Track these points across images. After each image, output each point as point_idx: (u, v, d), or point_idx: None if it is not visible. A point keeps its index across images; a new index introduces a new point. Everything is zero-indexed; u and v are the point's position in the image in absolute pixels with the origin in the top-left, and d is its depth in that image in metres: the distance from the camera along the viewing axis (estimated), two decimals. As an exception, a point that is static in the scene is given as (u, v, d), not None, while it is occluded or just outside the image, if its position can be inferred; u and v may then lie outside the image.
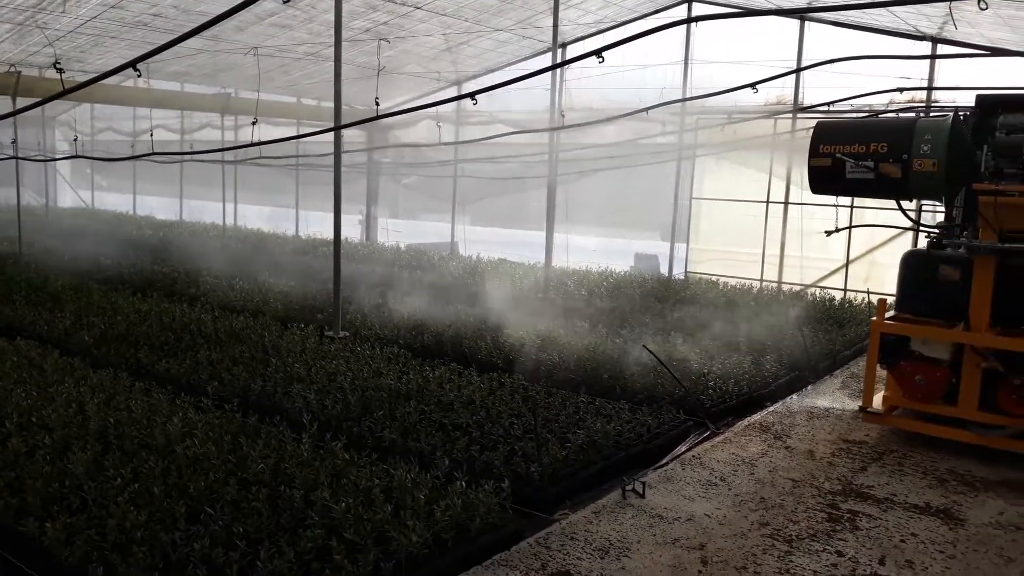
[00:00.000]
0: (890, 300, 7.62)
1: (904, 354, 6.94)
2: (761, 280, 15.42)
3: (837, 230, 7.40)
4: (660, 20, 14.37)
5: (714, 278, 15.21)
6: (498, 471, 5.85)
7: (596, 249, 17.93)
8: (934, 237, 6.85)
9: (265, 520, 4.83)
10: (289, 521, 4.86)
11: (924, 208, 7.73)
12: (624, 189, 17.95)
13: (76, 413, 6.61)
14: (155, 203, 28.23)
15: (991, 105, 6.55)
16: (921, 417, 6.96)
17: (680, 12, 15.13)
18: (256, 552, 4.43)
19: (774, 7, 13.33)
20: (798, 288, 14.34)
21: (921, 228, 7.15)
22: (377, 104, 8.46)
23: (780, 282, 15.23)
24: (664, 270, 16.58)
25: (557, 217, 16.50)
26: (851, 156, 6.45)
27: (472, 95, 6.72)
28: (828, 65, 11.46)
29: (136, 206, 28.48)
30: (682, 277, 16.04)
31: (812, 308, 12.38)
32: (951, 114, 6.63)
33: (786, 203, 14.79)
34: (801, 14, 13.89)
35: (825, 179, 6.73)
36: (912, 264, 7.17)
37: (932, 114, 10.51)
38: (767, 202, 15.09)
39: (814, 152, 6.67)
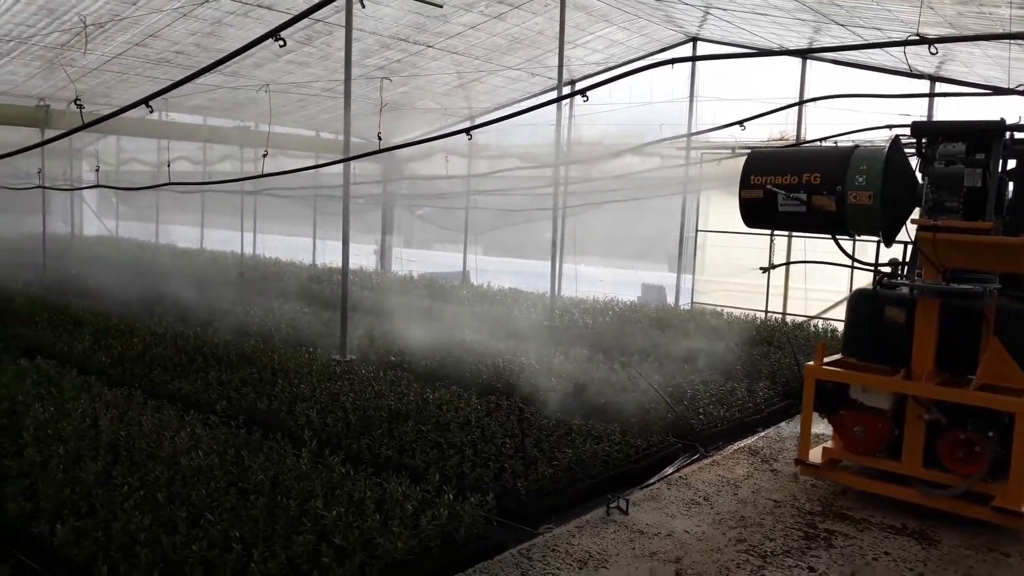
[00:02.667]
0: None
1: (843, 403, 6.36)
2: (766, 311, 15.61)
3: (773, 267, 7.02)
4: (667, 57, 14.78)
5: (719, 309, 15.43)
6: (486, 486, 6.10)
7: (604, 279, 18.24)
8: (881, 275, 6.32)
9: (261, 526, 5.11)
10: (283, 528, 5.13)
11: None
12: (632, 221, 18.29)
13: (90, 427, 6.95)
14: (177, 232, 28.94)
15: (927, 133, 6.00)
16: (865, 472, 6.39)
17: (686, 51, 15.57)
18: (251, 555, 4.69)
19: (775, 47, 13.71)
20: (801, 319, 14.53)
21: (860, 265, 6.46)
22: (380, 139, 8.84)
23: (784, 313, 15.42)
24: (671, 301, 16.83)
25: (566, 248, 16.84)
26: (783, 188, 5.98)
27: (468, 131, 7.08)
28: (830, 101, 11.81)
29: (159, 235, 29.17)
30: (688, 307, 16.27)
31: (813, 338, 12.55)
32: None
33: (790, 236, 15.02)
34: (803, 54, 14.26)
35: (757, 212, 6.26)
36: (858, 304, 6.56)
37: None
38: (771, 235, 15.32)
39: (744, 183, 6.22)
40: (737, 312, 15.08)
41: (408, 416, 7.74)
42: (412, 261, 22.68)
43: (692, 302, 16.65)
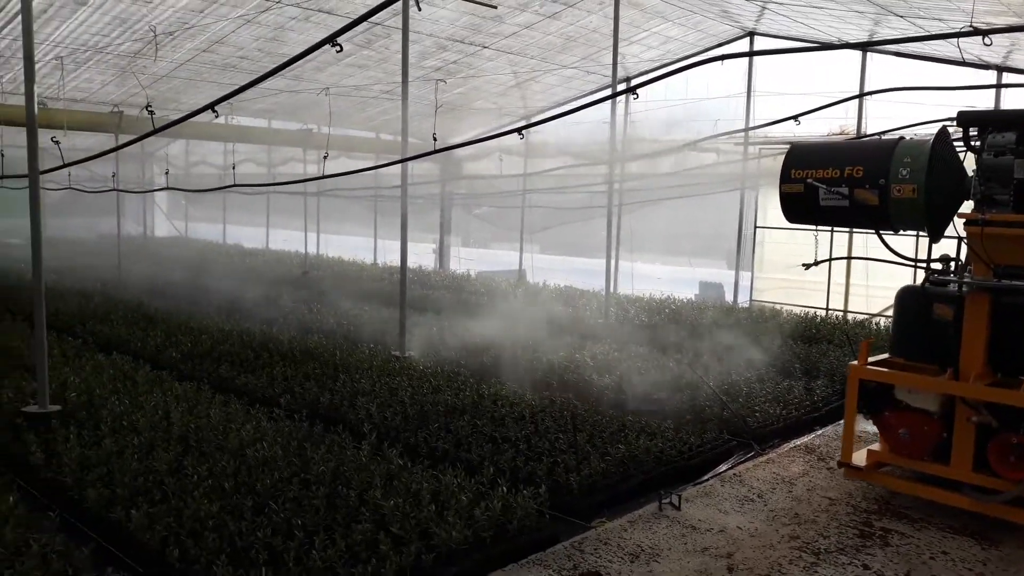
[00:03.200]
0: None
1: (888, 403, 6.14)
2: (827, 309, 15.36)
3: (816, 263, 6.76)
4: (723, 52, 14.66)
5: (778, 306, 15.24)
6: (539, 480, 6.22)
7: (661, 277, 18.16)
8: (930, 272, 6.04)
9: (322, 515, 5.32)
10: (343, 516, 5.33)
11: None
12: (690, 218, 18.18)
13: (162, 419, 7.30)
14: (243, 233, 29.80)
15: (975, 122, 5.75)
16: (912, 476, 6.14)
17: (742, 46, 15.42)
18: (312, 542, 4.90)
19: (834, 40, 13.48)
20: (863, 317, 14.26)
21: (902, 261, 6.16)
22: (435, 139, 9.01)
23: (846, 311, 15.15)
24: (729, 298, 16.68)
25: (623, 245, 16.85)
26: (824, 182, 5.78)
27: (519, 130, 7.20)
28: (892, 94, 11.58)
29: (225, 235, 30.07)
30: (747, 305, 16.11)
31: (874, 335, 12.33)
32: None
33: (850, 232, 14.75)
34: (863, 47, 13.99)
35: (798, 207, 6.07)
36: (905, 302, 6.36)
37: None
38: (831, 230, 15.08)
39: (785, 177, 6.03)
40: (797, 309, 14.89)
41: (464, 411, 7.90)
42: (470, 260, 22.94)
43: (751, 300, 16.48)
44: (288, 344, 10.80)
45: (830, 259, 6.53)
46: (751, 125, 14.71)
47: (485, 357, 10.51)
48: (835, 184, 5.72)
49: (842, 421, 8.50)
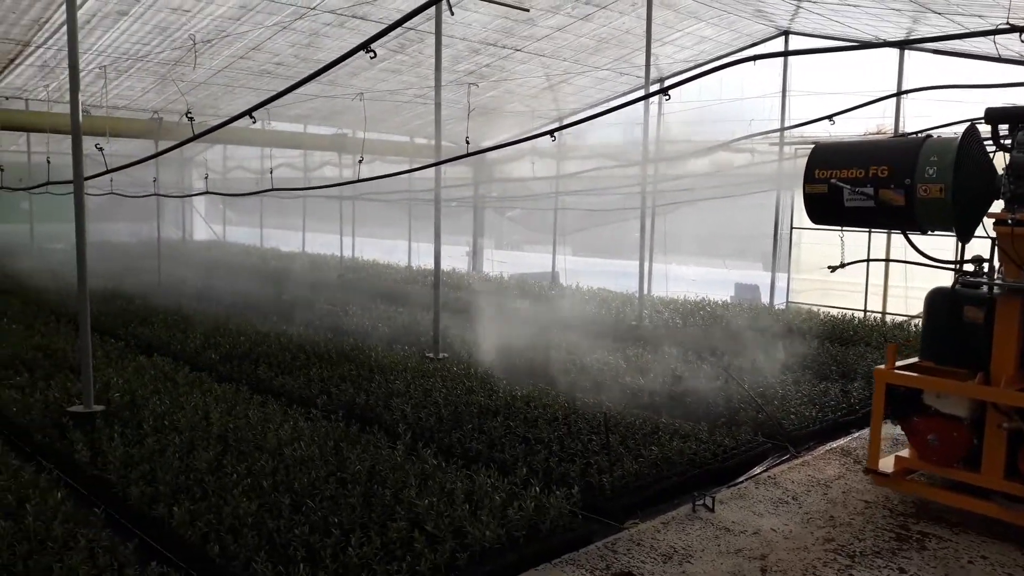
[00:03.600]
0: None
1: (917, 409, 5.96)
2: (865, 311, 15.17)
3: (843, 265, 6.58)
4: (757, 52, 14.57)
5: (815, 308, 15.09)
6: (572, 481, 6.24)
7: (696, 279, 18.06)
8: (961, 273, 5.88)
9: (358, 513, 5.41)
10: (379, 515, 5.41)
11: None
12: (725, 219, 18.05)
13: (202, 419, 7.46)
14: (280, 236, 30.22)
15: (1004, 119, 5.53)
16: (942, 483, 5.98)
17: (777, 45, 15.30)
18: (348, 539, 4.99)
19: (870, 39, 13.32)
20: (901, 319, 14.06)
21: (928, 262, 5.97)
22: (467, 142, 9.10)
23: (884, 312, 14.95)
24: (765, 300, 16.55)
25: (656, 247, 16.79)
26: (848, 182, 5.61)
27: (552, 132, 7.23)
28: (931, 92, 11.41)
29: (263, 239, 30.50)
30: (783, 307, 15.97)
31: (912, 338, 12.16)
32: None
33: (889, 232, 14.53)
34: (900, 45, 13.81)
35: (822, 208, 5.89)
36: (935, 304, 6.09)
37: None
38: (869, 231, 14.87)
39: (809, 178, 5.86)
40: (834, 311, 14.71)
41: (497, 412, 7.96)
42: (502, 262, 23.02)
43: (787, 301, 16.32)
44: (324, 346, 10.94)
45: (856, 261, 6.34)
46: (786, 125, 14.58)
47: (518, 359, 10.55)
48: (860, 184, 5.57)
49: (879, 424, 8.49)
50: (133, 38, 13.92)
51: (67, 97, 7.75)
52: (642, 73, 14.33)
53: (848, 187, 5.58)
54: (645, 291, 14.45)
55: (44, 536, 5.04)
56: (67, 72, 7.64)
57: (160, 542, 5.34)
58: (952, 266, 5.96)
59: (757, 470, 7.17)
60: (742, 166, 14.90)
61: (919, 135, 5.61)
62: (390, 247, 25.90)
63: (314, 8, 12.76)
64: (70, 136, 7.68)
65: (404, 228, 25.24)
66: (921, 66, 14.00)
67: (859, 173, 5.59)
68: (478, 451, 6.96)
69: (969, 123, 5.52)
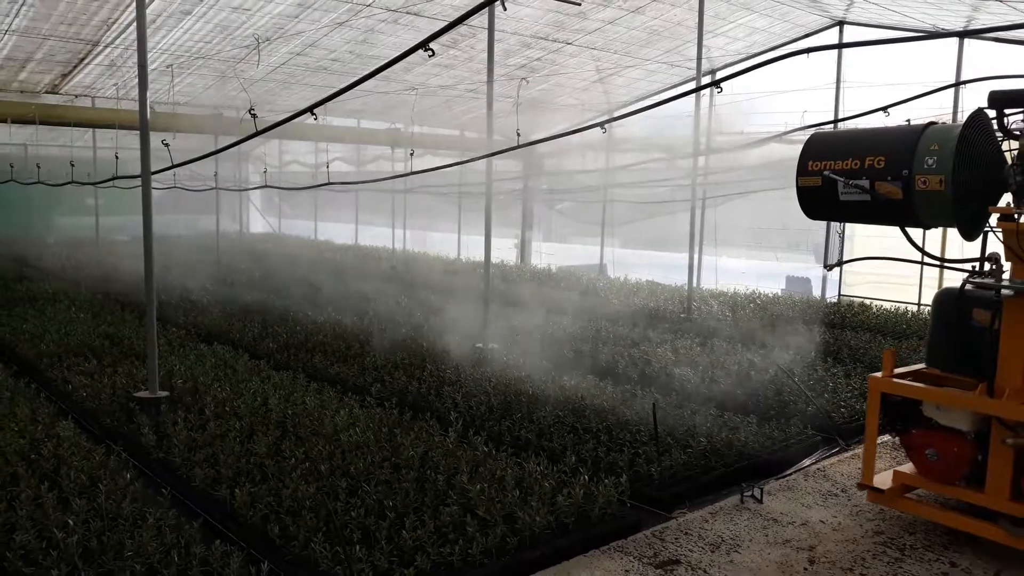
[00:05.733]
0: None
1: (915, 421, 5.51)
2: (919, 304, 14.89)
3: (839, 263, 6.11)
4: (810, 43, 14.39)
5: (867, 301, 14.86)
6: (620, 470, 6.33)
7: (746, 271, 17.91)
8: (971, 273, 5.28)
9: (412, 497, 5.58)
10: (432, 499, 5.58)
11: None
12: (777, 211, 17.85)
13: (261, 405, 7.72)
14: (333, 229, 30.76)
15: (1010, 103, 4.98)
16: (941, 502, 5.61)
17: (831, 35, 15.08)
18: (403, 522, 5.15)
19: (928, 28, 13.05)
20: (959, 313, 13.75)
21: (931, 261, 5.55)
22: (518, 135, 9.21)
23: (940, 307, 14.63)
24: (816, 293, 16.35)
25: (707, 240, 16.71)
26: (843, 174, 5.15)
27: (601, 124, 7.29)
28: (989, 82, 11.15)
29: (317, 231, 31.07)
30: (835, 300, 15.76)
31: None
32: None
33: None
34: (960, 35, 13.50)
35: (816, 202, 5.44)
36: (941, 307, 5.57)
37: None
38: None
39: (802, 170, 5.42)
40: (887, 305, 14.48)
41: (546, 401, 8.07)
42: (551, 255, 23.11)
43: (839, 294, 16.10)
44: (378, 335, 11.18)
45: (855, 259, 5.94)
46: (840, 117, 14.37)
47: (566, 349, 10.65)
48: (855, 176, 5.11)
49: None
50: (196, 36, 14.33)
51: (133, 94, 8.04)
52: (693, 65, 14.27)
53: (842, 179, 5.15)
54: (695, 284, 14.40)
55: (115, 514, 5.31)
56: (133, 70, 7.92)
57: (223, 522, 5.57)
58: (961, 265, 5.38)
59: (806, 462, 7.16)
60: (794, 158, 14.70)
61: (926, 122, 5.10)
62: (439, 240, 26.21)
63: (369, 5, 12.99)
64: (137, 132, 7.95)
65: (453, 221, 25.50)
66: (981, 54, 13.67)
67: (854, 164, 5.15)
68: (527, 439, 7.09)
69: (975, 108, 4.97)
